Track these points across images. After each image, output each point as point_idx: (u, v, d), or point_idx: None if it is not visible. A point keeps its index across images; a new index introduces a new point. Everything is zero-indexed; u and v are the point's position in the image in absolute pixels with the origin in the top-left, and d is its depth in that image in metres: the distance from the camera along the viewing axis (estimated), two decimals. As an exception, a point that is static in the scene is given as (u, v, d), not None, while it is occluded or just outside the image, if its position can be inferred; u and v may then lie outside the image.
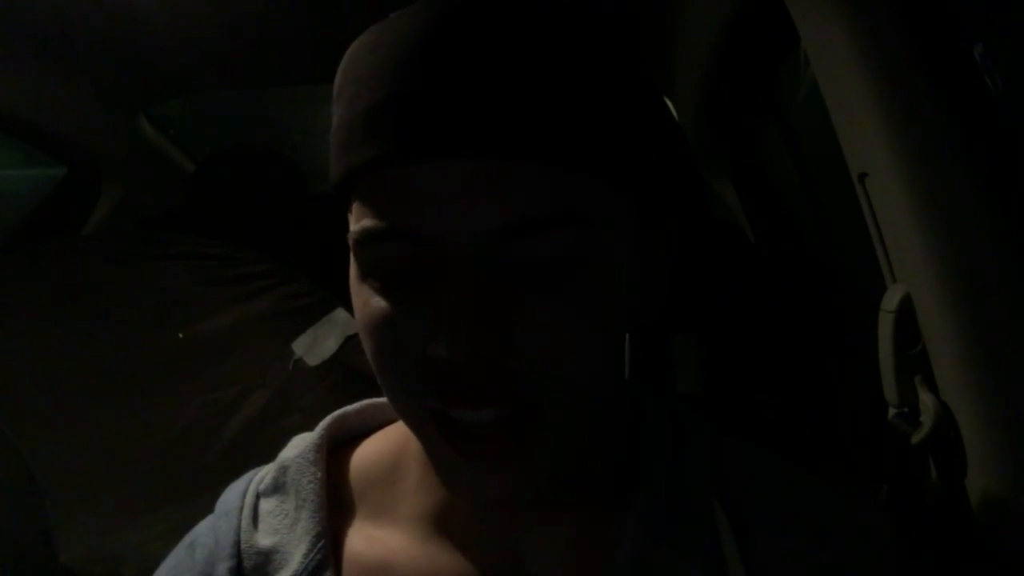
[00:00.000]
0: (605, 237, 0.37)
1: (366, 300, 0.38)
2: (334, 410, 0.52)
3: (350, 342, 1.19)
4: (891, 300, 0.66)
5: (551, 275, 0.36)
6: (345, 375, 1.16)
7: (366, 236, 0.37)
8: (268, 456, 0.52)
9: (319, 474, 0.48)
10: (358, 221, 0.37)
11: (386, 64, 0.36)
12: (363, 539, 0.46)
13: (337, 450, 0.51)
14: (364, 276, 0.39)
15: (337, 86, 0.40)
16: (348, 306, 1.32)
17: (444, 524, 0.45)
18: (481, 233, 0.35)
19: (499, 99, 0.34)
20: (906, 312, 0.65)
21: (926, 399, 0.63)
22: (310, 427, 0.52)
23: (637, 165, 0.39)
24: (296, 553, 0.45)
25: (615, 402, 0.46)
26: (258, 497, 0.49)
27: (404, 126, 0.35)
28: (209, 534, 0.48)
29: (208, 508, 0.50)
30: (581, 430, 0.40)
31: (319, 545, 0.45)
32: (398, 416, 0.51)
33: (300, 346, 1.17)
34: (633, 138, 0.39)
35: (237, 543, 0.46)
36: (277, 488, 0.48)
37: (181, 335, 1.16)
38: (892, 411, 0.69)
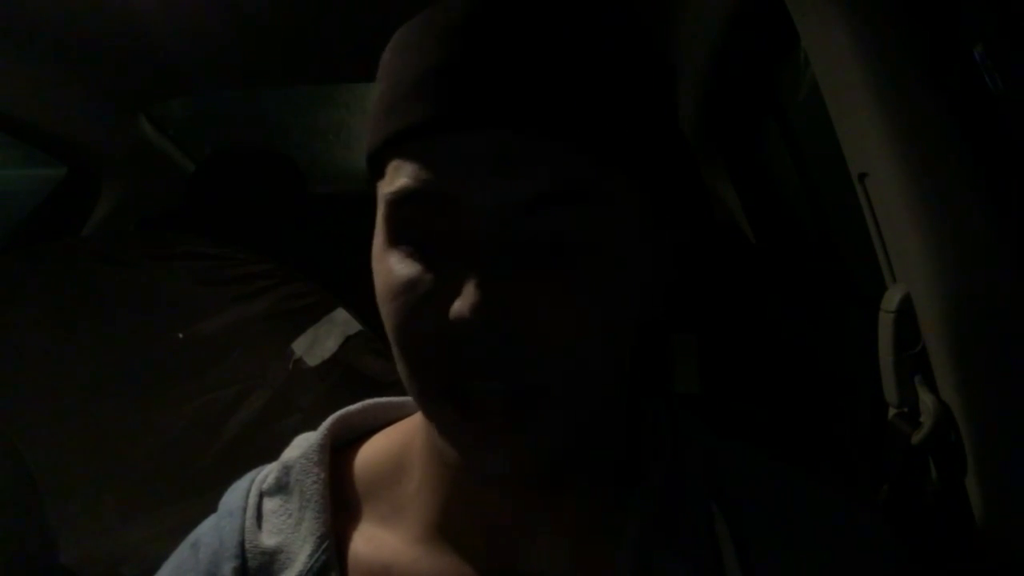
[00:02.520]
0: (620, 227, 0.38)
1: (390, 266, 0.39)
2: (334, 410, 0.52)
3: (350, 342, 1.19)
4: (891, 300, 0.66)
5: (574, 255, 0.37)
6: (345, 375, 1.16)
7: (401, 195, 0.38)
8: (268, 456, 0.52)
9: (323, 474, 0.48)
10: (393, 183, 0.38)
11: (436, 38, 0.38)
12: (367, 540, 0.46)
13: (340, 450, 0.51)
14: (391, 241, 0.39)
15: (383, 62, 0.42)
16: (348, 306, 1.32)
17: (448, 524, 0.45)
18: (512, 201, 0.36)
19: (542, 75, 0.36)
20: (906, 312, 0.65)
21: (926, 399, 0.63)
22: (310, 427, 0.52)
23: (651, 157, 0.40)
24: (300, 554, 0.45)
25: (619, 394, 0.46)
26: (261, 496, 0.49)
27: (450, 94, 0.36)
28: (213, 534, 0.47)
29: (208, 508, 0.50)
30: (584, 414, 0.40)
31: (324, 546, 0.45)
32: (407, 411, 0.52)
33: (300, 346, 1.17)
34: (659, 131, 0.41)
35: (242, 543, 0.46)
36: (280, 488, 0.48)
37: (181, 335, 1.16)
38: (892, 411, 0.69)
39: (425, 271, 0.38)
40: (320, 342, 1.18)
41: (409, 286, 0.38)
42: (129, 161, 1.73)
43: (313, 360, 1.16)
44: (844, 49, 0.65)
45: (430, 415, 0.41)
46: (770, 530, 0.44)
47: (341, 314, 1.21)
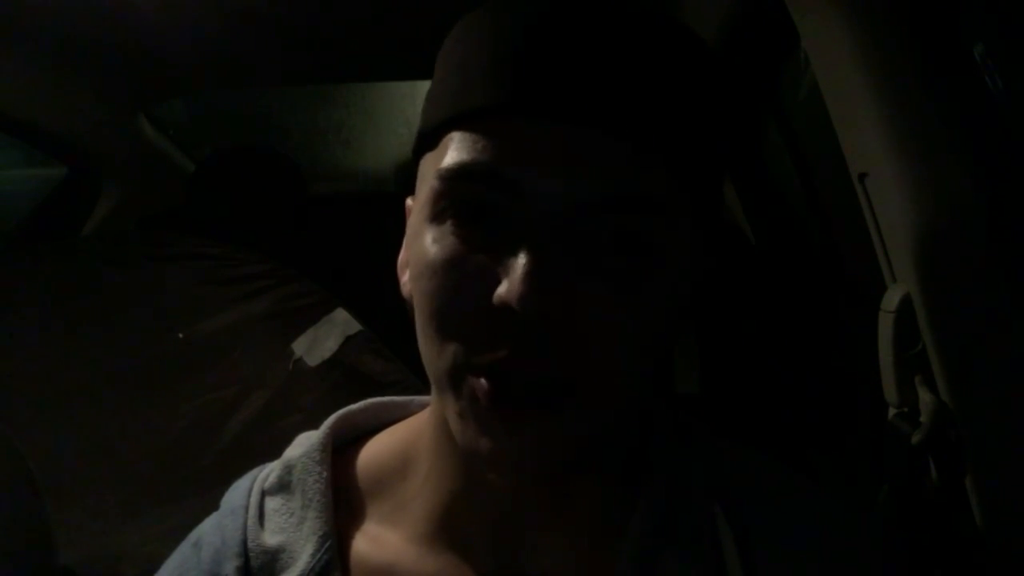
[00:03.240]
0: (679, 237, 0.38)
1: (433, 240, 0.38)
2: (334, 410, 0.52)
3: (350, 342, 1.19)
4: (891, 300, 0.66)
5: (624, 257, 0.37)
6: (345, 375, 1.16)
7: (461, 171, 0.37)
8: (268, 456, 0.52)
9: (325, 474, 0.48)
10: (454, 158, 0.38)
11: (518, 25, 0.38)
12: (369, 540, 0.46)
13: (342, 449, 0.51)
14: (437, 217, 0.39)
15: (445, 50, 0.42)
16: (348, 306, 1.32)
17: (450, 524, 0.45)
18: (576, 199, 0.36)
19: (631, 78, 0.36)
20: (906, 312, 0.65)
21: (926, 399, 0.63)
22: (310, 427, 0.52)
23: (715, 179, 0.42)
24: (303, 553, 0.45)
25: (640, 401, 0.47)
26: (263, 495, 0.49)
27: (536, 80, 0.36)
28: (215, 532, 0.47)
29: (209, 508, 0.50)
30: (609, 415, 0.40)
31: (326, 545, 0.45)
32: (409, 410, 0.52)
33: (300, 346, 1.17)
34: (720, 153, 0.42)
35: (244, 542, 0.46)
36: (282, 487, 0.48)
37: (181, 335, 1.16)
38: (892, 411, 0.69)
39: (473, 250, 0.37)
40: (320, 342, 1.18)
41: (454, 263, 0.37)
42: (129, 161, 1.73)
43: (313, 360, 1.16)
44: (844, 49, 0.65)
45: (456, 395, 0.39)
46: (772, 531, 0.44)
47: (341, 314, 1.21)
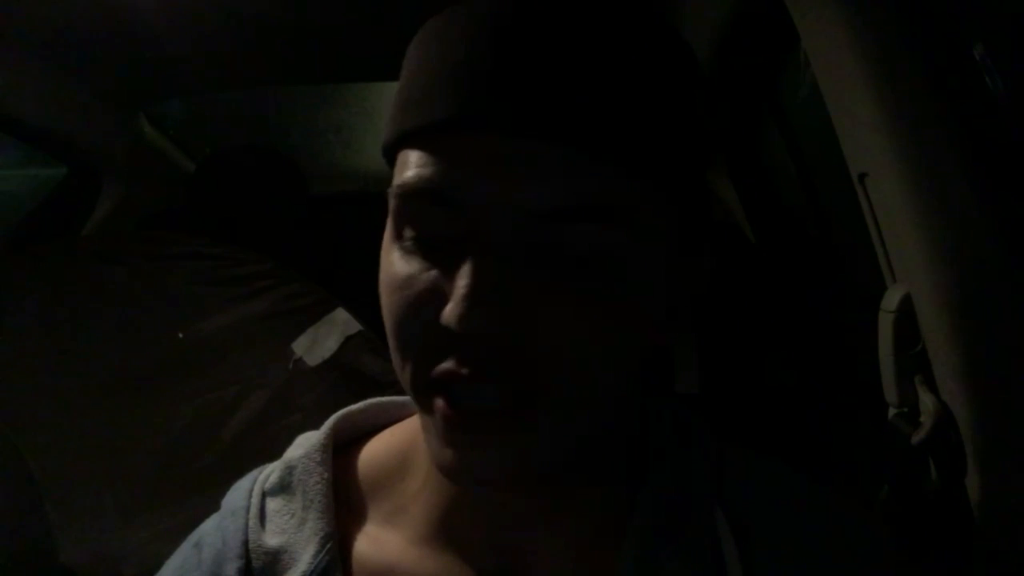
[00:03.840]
0: (643, 248, 0.37)
1: (393, 259, 0.39)
2: (334, 410, 0.52)
3: (350, 342, 1.19)
4: (891, 300, 0.66)
5: (582, 270, 0.36)
6: (345, 375, 1.16)
7: (407, 191, 0.37)
8: (268, 456, 0.52)
9: (326, 474, 0.48)
10: (403, 176, 0.38)
11: (460, 35, 0.37)
12: (370, 541, 0.46)
13: (342, 449, 0.51)
14: (396, 234, 0.39)
15: (408, 54, 0.41)
16: (348, 306, 1.33)
17: (450, 525, 0.45)
18: (522, 213, 0.35)
19: (568, 85, 0.35)
20: (906, 312, 0.65)
21: (926, 399, 0.63)
22: (310, 427, 0.52)
23: (685, 178, 0.39)
24: (304, 554, 0.45)
25: (626, 409, 0.46)
26: (264, 496, 0.48)
27: (472, 94, 0.35)
28: (216, 533, 0.47)
29: (209, 508, 0.50)
30: (580, 428, 0.39)
31: (327, 547, 0.45)
32: (410, 410, 0.52)
33: (300, 346, 1.17)
34: (686, 151, 0.39)
35: (245, 543, 0.46)
36: (283, 488, 0.48)
37: (181, 335, 1.16)
38: (892, 411, 0.69)
39: (427, 268, 0.37)
40: (320, 342, 1.18)
41: (409, 281, 0.37)
42: (129, 161, 1.73)
43: (313, 360, 1.16)
44: (844, 49, 0.65)
45: (422, 408, 0.40)
46: (772, 531, 0.44)
47: (341, 314, 1.21)
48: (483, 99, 0.35)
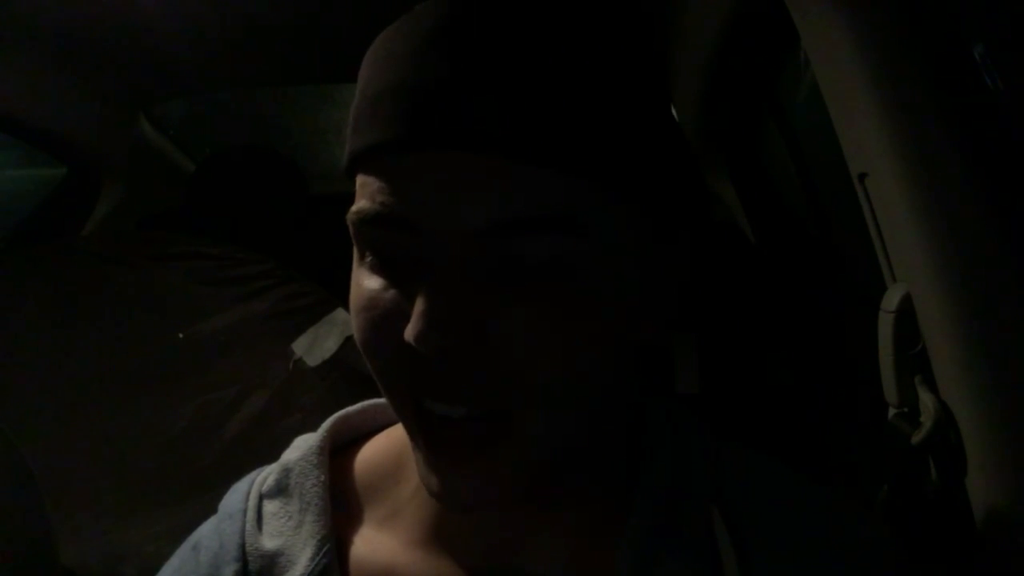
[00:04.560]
0: (603, 248, 0.36)
1: (359, 281, 0.39)
2: (334, 410, 0.52)
3: (350, 342, 1.19)
4: (891, 300, 0.66)
5: (537, 280, 0.35)
6: (345, 375, 1.16)
7: (360, 218, 0.37)
8: (268, 456, 0.52)
9: (322, 477, 0.48)
10: (357, 202, 0.38)
11: (398, 54, 0.36)
12: (367, 543, 0.46)
13: (340, 451, 0.51)
14: (360, 258, 0.39)
15: (360, 72, 0.41)
16: (348, 306, 1.32)
17: (448, 527, 0.45)
18: (470, 228, 0.34)
19: (502, 96, 0.34)
20: (906, 312, 0.65)
21: (926, 399, 0.63)
22: (310, 427, 0.52)
23: (646, 175, 0.38)
24: (301, 557, 0.45)
25: (609, 412, 0.45)
26: (261, 499, 0.48)
27: (405, 115, 0.35)
28: (213, 536, 0.47)
29: (209, 508, 0.50)
30: (556, 440, 0.39)
31: (324, 549, 0.45)
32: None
33: (300, 346, 1.17)
34: (642, 147, 0.38)
35: (242, 546, 0.46)
36: (280, 490, 0.48)
37: (181, 335, 1.16)
38: (892, 411, 0.69)
39: (387, 289, 0.37)
40: (320, 342, 1.18)
41: (372, 303, 0.37)
42: (129, 161, 1.73)
43: (313, 360, 1.16)
44: (844, 49, 0.65)
45: (406, 426, 0.40)
46: (770, 532, 0.44)
47: (341, 314, 1.21)
48: (422, 118, 0.35)
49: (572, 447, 0.41)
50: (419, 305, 0.34)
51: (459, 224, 0.34)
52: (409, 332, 0.34)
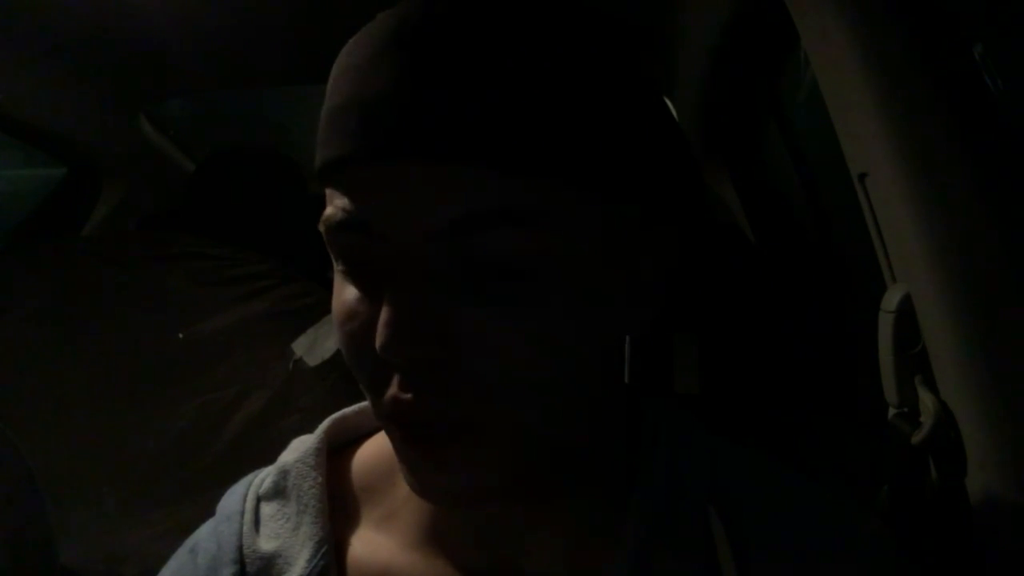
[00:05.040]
0: (564, 244, 0.36)
1: (337, 292, 0.40)
2: (334, 411, 0.52)
3: (350, 342, 1.19)
4: (891, 300, 0.66)
5: (498, 280, 0.35)
6: (345, 376, 1.16)
7: (327, 225, 0.38)
8: (268, 456, 0.52)
9: (320, 479, 0.48)
10: (326, 210, 0.39)
11: (353, 66, 0.37)
12: (365, 544, 0.46)
13: (337, 452, 0.51)
14: (336, 267, 0.40)
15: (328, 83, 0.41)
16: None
17: (445, 528, 0.45)
18: (426, 231, 0.35)
19: (440, 103, 0.34)
20: (906, 312, 0.65)
21: (926, 399, 0.63)
22: (310, 428, 0.52)
23: (604, 169, 0.37)
24: (299, 558, 0.45)
25: (597, 410, 0.45)
26: (259, 501, 0.48)
27: (358, 129, 0.36)
28: (211, 539, 0.47)
29: (208, 508, 0.50)
30: (531, 443, 0.39)
31: (322, 551, 0.45)
32: None
33: (300, 346, 1.17)
34: (598, 142, 0.37)
35: (240, 548, 0.46)
36: (278, 492, 0.48)
37: (181, 335, 1.16)
38: (892, 411, 0.69)
39: (361, 300, 0.38)
40: (320, 342, 1.18)
41: (350, 316, 0.38)
42: (129, 161, 1.73)
43: (313, 360, 1.16)
44: (844, 49, 0.65)
45: (387, 430, 0.41)
46: (768, 532, 0.44)
47: (341, 314, 1.21)
48: (372, 131, 0.35)
49: (558, 444, 0.41)
50: (384, 314, 0.35)
51: (417, 227, 0.35)
52: (376, 341, 0.35)
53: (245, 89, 1.87)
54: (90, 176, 1.73)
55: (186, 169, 1.88)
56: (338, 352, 1.16)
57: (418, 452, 0.38)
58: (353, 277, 0.38)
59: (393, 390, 0.37)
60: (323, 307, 1.22)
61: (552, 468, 0.42)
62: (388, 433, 0.40)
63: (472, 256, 0.35)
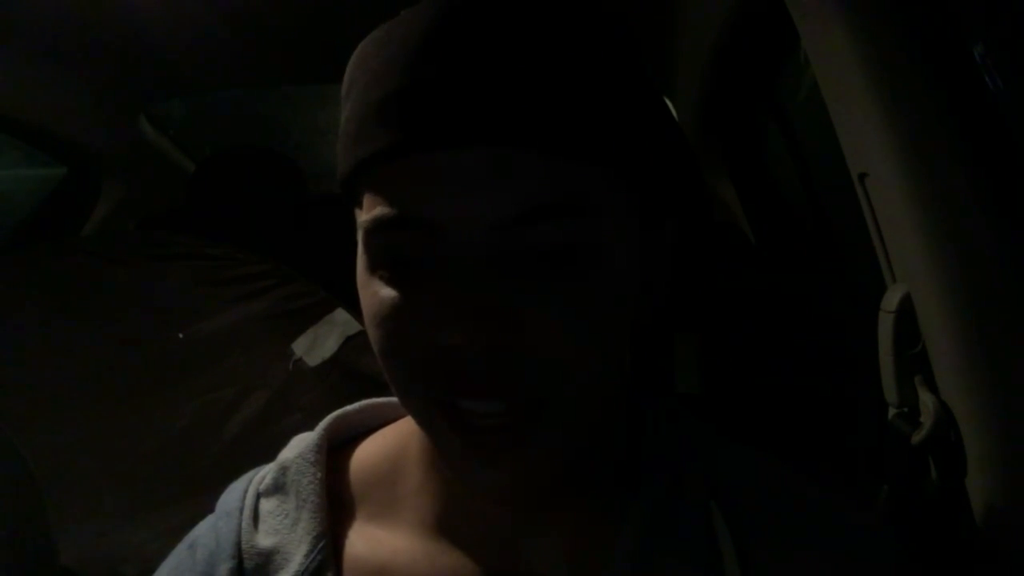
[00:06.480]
0: (610, 231, 0.37)
1: (375, 291, 0.39)
2: (334, 410, 0.52)
3: (350, 342, 1.19)
4: (891, 300, 0.66)
5: (559, 267, 0.36)
6: (345, 375, 1.16)
7: (378, 224, 0.37)
8: (268, 456, 0.52)
9: (319, 474, 0.48)
10: (369, 211, 0.38)
11: (397, 57, 0.37)
12: (364, 540, 0.46)
13: (337, 450, 0.51)
14: (374, 267, 0.39)
15: (347, 83, 0.41)
16: (348, 306, 1.33)
17: (444, 525, 0.45)
18: (490, 221, 0.35)
19: (505, 88, 0.35)
20: (906, 312, 0.65)
21: (926, 399, 0.63)
22: (310, 427, 0.52)
23: (638, 158, 0.39)
24: (297, 554, 0.45)
25: (617, 401, 0.46)
26: (258, 497, 0.49)
27: (416, 115, 0.35)
28: (210, 535, 0.48)
29: (208, 508, 0.50)
30: (583, 428, 0.40)
31: (320, 546, 0.45)
32: (405, 411, 0.52)
33: (300, 346, 1.17)
34: (635, 132, 0.39)
35: (238, 543, 0.46)
36: (277, 488, 0.48)
37: (181, 335, 1.16)
38: (892, 411, 0.69)
39: (410, 296, 0.37)
40: (320, 342, 1.18)
41: (394, 312, 0.37)
42: (129, 161, 1.73)
43: (313, 360, 1.16)
44: (844, 49, 0.65)
45: (427, 431, 0.41)
46: (770, 531, 0.44)
47: (341, 314, 1.21)
48: (427, 118, 0.35)
49: (589, 438, 0.41)
50: (451, 304, 0.35)
51: (481, 218, 0.35)
52: (450, 333, 0.35)
53: (245, 89, 1.86)
54: (90, 176, 1.73)
55: (186, 169, 1.88)
56: (338, 352, 1.17)
57: (475, 449, 0.38)
58: (394, 275, 0.38)
59: (454, 384, 0.37)
60: (323, 307, 1.22)
61: (575, 463, 0.42)
62: (437, 432, 0.39)
63: (532, 243, 0.36)
